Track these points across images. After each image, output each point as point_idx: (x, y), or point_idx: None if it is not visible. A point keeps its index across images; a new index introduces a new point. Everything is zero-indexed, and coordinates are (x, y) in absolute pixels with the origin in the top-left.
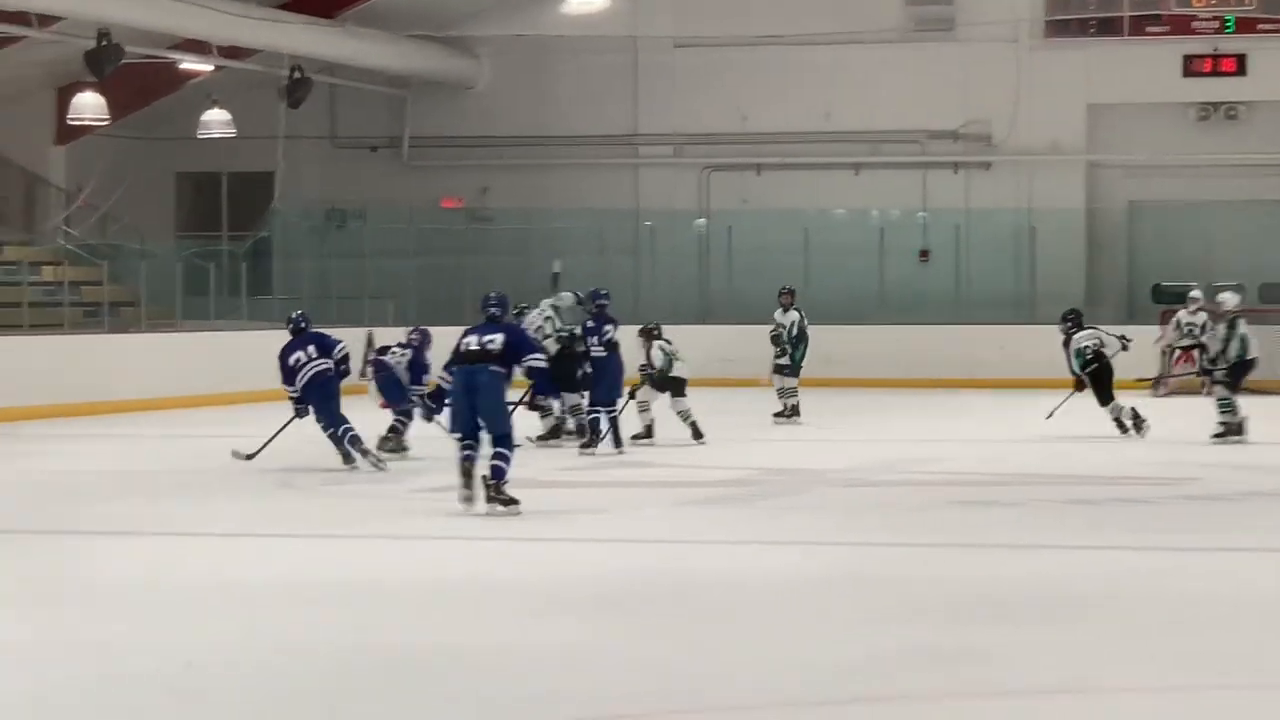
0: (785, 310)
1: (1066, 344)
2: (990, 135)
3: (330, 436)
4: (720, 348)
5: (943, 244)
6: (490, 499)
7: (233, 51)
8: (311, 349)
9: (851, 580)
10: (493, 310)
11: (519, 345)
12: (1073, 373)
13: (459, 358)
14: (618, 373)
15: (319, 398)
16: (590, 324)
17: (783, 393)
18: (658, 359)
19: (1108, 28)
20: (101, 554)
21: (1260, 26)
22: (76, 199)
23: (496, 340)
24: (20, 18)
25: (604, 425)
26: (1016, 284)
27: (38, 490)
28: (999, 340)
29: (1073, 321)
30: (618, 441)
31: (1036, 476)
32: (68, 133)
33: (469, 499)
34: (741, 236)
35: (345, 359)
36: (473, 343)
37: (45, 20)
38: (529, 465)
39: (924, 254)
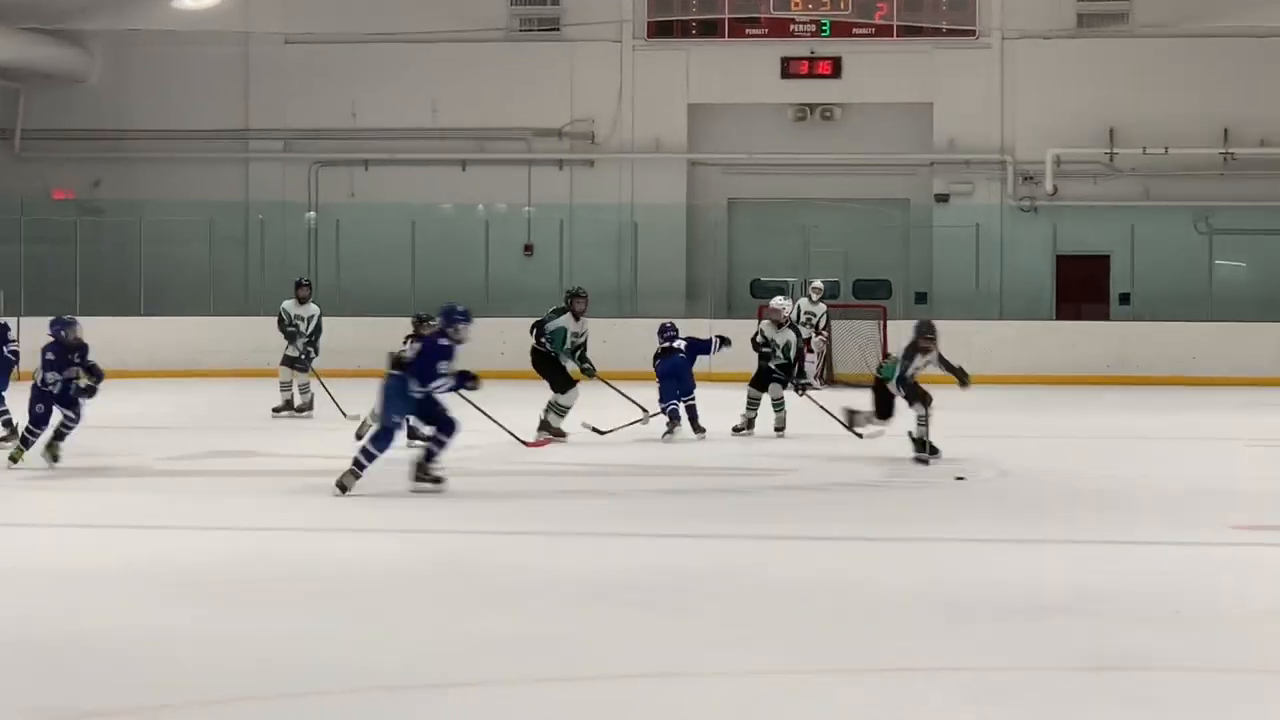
0: (302, 303)
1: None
2: (594, 133)
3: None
4: (328, 340)
5: (547, 239)
6: None
7: None
8: None
9: (454, 567)
10: None
11: None
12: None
13: None
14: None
15: None
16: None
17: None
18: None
19: (708, 29)
20: None
21: (855, 31)
22: None
23: None
24: None
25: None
26: (619, 278)
27: None
28: (601, 334)
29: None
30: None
31: (638, 468)
32: None
33: None
34: (350, 230)
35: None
36: None
37: None
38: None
39: (528, 248)
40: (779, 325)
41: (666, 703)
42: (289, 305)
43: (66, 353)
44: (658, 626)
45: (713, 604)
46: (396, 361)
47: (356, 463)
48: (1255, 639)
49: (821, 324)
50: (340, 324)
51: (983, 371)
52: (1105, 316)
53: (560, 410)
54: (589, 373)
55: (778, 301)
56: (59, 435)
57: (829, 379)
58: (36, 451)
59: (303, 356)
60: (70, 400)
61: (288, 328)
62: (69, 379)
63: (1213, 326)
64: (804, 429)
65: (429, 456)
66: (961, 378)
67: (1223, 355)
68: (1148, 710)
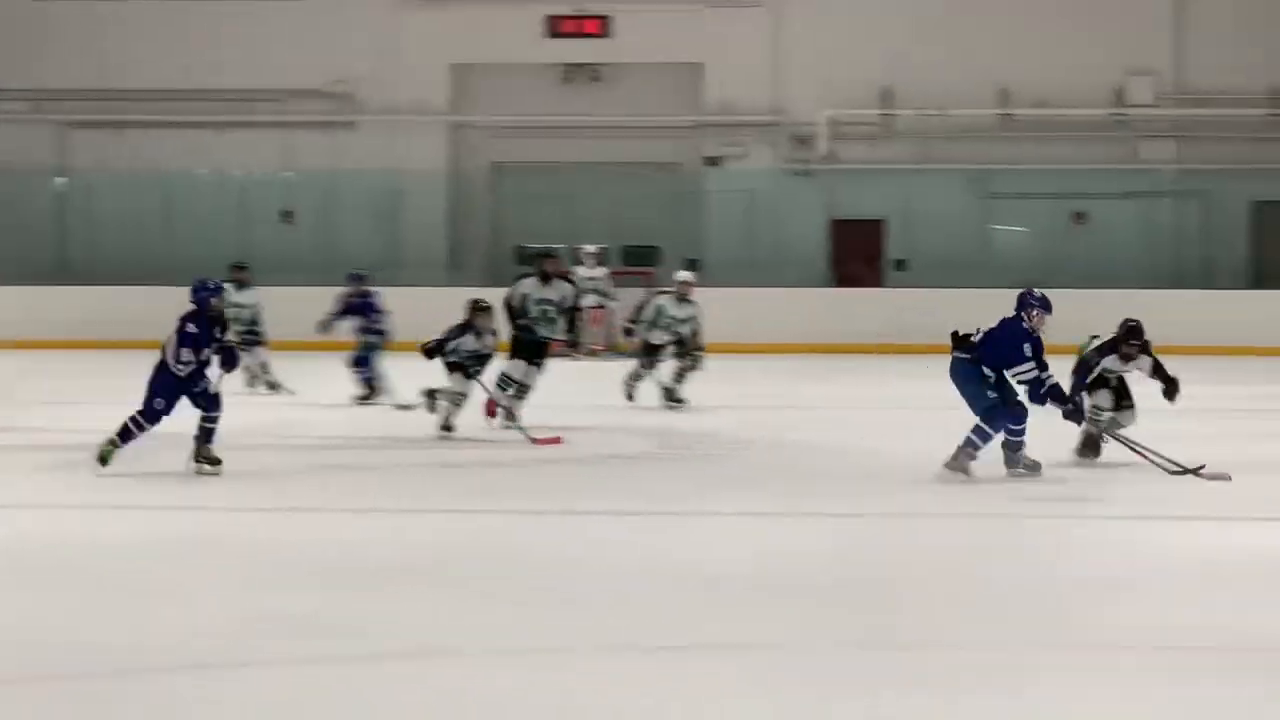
0: (241, 288)
1: None
2: (355, 94)
3: None
4: (80, 310)
5: (309, 205)
6: None
7: None
8: None
9: (218, 544)
10: None
11: None
12: None
13: None
14: None
15: None
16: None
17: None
18: None
19: None
20: None
21: None
22: None
23: None
24: None
25: None
26: (383, 245)
27: None
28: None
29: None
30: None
31: (401, 440)
32: None
33: None
34: (103, 197)
35: None
36: None
37: None
38: None
39: (287, 215)
40: (682, 300)
41: (439, 683)
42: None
43: (212, 326)
44: (429, 604)
45: (485, 580)
46: (960, 341)
47: (1013, 445)
48: (1042, 615)
49: (607, 289)
50: (97, 294)
51: (757, 340)
52: (881, 283)
53: (505, 383)
54: (574, 344)
55: (686, 275)
56: (206, 437)
57: (609, 347)
58: (128, 450)
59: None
60: (203, 393)
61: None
62: (204, 362)
63: (991, 293)
64: (577, 399)
65: (974, 447)
66: (1169, 391)
67: None
68: (931, 688)
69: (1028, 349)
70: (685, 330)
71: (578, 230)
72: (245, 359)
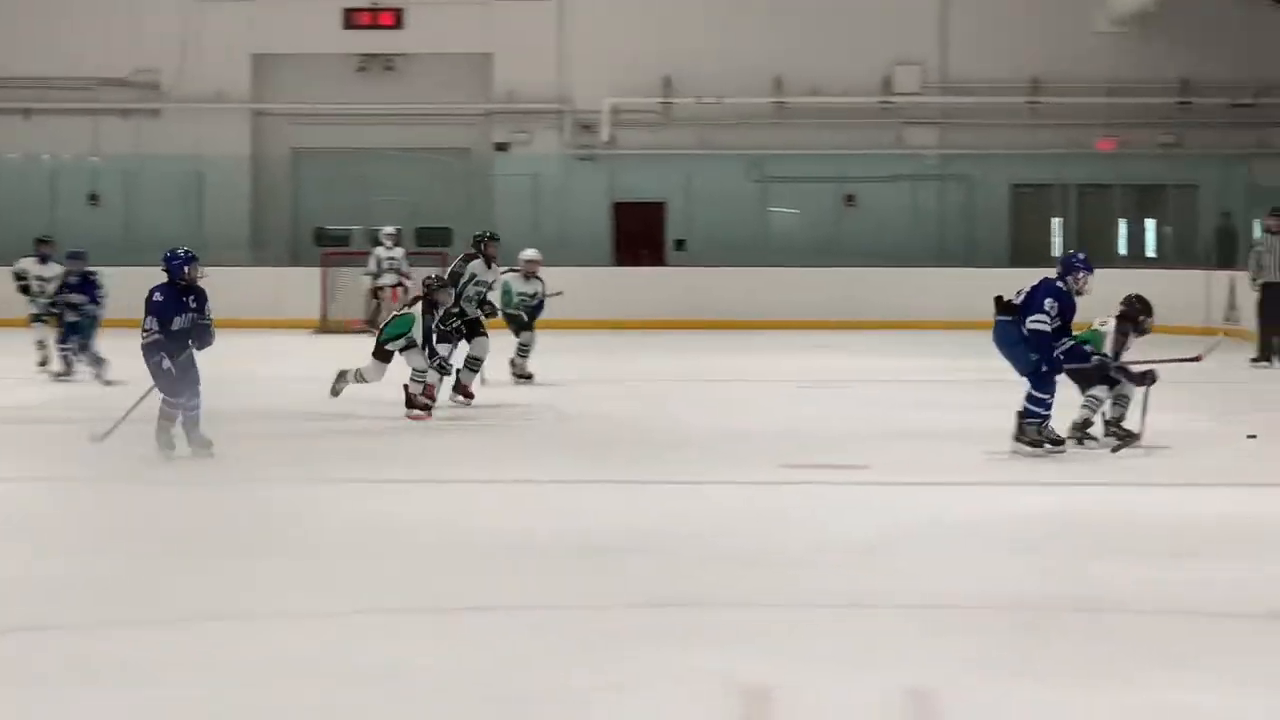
0: (44, 261)
1: None
2: (159, 83)
3: None
4: None
5: (115, 189)
6: None
7: None
8: None
9: (38, 511)
10: None
11: None
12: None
13: None
14: None
15: None
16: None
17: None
18: None
19: None
20: None
21: None
22: None
23: None
24: None
25: None
26: (186, 228)
27: None
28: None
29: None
30: None
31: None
32: None
33: None
34: None
35: None
36: None
37: None
38: None
39: (94, 198)
40: (529, 277)
41: (242, 646)
42: (30, 264)
43: (180, 295)
44: (232, 570)
45: (289, 547)
46: (1003, 306)
47: (1029, 413)
48: (808, 573)
49: (403, 268)
50: None
51: (542, 317)
52: (663, 262)
53: (472, 365)
54: (488, 315)
55: (532, 253)
56: (193, 424)
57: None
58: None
59: (43, 314)
60: (159, 366)
61: (21, 284)
62: (175, 333)
63: (768, 271)
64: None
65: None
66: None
67: (778, 299)
68: (706, 646)
69: (1049, 303)
70: (533, 304)
71: (375, 213)
72: (43, 332)
